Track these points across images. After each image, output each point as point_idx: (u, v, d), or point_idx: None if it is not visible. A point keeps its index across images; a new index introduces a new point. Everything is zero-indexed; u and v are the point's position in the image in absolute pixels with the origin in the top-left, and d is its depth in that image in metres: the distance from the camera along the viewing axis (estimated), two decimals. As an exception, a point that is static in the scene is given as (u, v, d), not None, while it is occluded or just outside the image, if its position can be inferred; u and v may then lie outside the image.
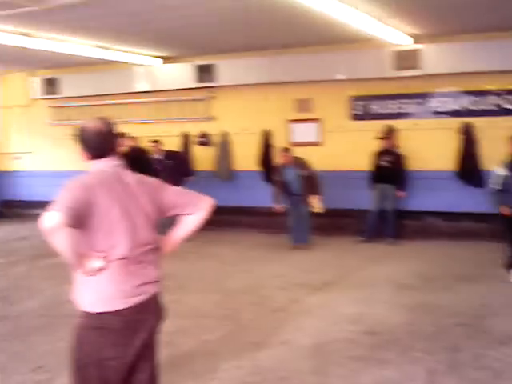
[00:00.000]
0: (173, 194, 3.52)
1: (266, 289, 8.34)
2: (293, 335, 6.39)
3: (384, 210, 11.45)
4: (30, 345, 6.22)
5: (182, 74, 13.14)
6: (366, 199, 11.60)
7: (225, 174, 13.17)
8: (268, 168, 12.64)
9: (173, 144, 13.40)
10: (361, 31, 9.96)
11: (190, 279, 8.88)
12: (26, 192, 15.79)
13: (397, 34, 10.43)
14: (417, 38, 11.01)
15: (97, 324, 3.20)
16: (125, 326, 3.22)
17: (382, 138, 11.42)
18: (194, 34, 11.01)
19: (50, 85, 14.43)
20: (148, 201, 3.38)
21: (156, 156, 12.36)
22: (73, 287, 3.36)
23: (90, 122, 3.35)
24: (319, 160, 11.71)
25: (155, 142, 12.48)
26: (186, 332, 6.44)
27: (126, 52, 12.23)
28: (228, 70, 12.67)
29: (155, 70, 13.44)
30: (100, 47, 11.61)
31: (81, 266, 3.14)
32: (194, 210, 3.53)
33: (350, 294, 8.03)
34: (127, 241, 3.22)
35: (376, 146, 11.50)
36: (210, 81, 12.80)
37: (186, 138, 13.60)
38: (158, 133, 13.58)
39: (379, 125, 11.73)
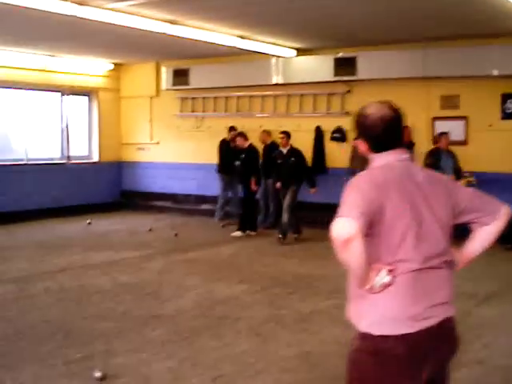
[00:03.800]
0: (468, 196, 2.87)
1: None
2: (483, 353, 5.75)
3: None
4: (197, 349, 5.79)
5: (318, 66, 12.63)
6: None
7: (360, 171, 12.49)
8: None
9: (305, 139, 12.94)
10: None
11: (344, 283, 8.26)
12: (148, 183, 15.66)
13: None
14: None
15: (376, 349, 2.62)
16: (410, 355, 2.59)
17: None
18: (335, 25, 10.56)
19: (180, 75, 14.18)
20: (442, 203, 2.75)
21: (282, 149, 11.65)
22: (348, 303, 2.83)
23: (373, 106, 2.77)
24: (464, 160, 10.94)
25: (284, 133, 11.67)
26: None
27: (263, 42, 11.84)
28: (369, 63, 12.04)
29: (289, 63, 12.97)
30: (240, 37, 11.26)
31: (367, 281, 2.59)
32: (490, 219, 2.85)
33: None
34: (418, 252, 2.62)
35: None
36: (349, 74, 12.20)
37: (319, 134, 13.07)
38: (290, 127, 13.05)
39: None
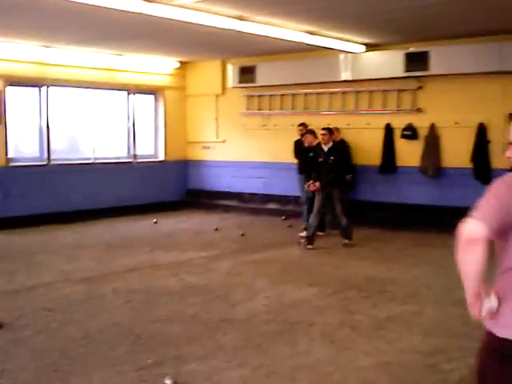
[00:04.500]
0: None
1: None
2: None
3: None
4: (270, 357, 5.55)
5: (388, 62, 12.27)
6: None
7: (432, 170, 12.14)
8: (482, 165, 11.55)
9: (374, 137, 12.67)
10: None
11: (418, 287, 8.00)
12: (214, 182, 15.53)
13: None
14: None
15: (497, 349, 2.59)
16: None
17: None
18: (407, 18, 10.14)
19: (246, 73, 14.00)
20: None
21: (323, 147, 10.82)
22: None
23: None
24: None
25: (326, 130, 10.88)
26: (449, 355, 5.57)
27: (331, 38, 11.53)
28: (443, 57, 11.61)
29: (358, 58, 12.64)
30: (308, 32, 10.98)
31: (475, 297, 2.60)
32: None
33: None
34: None
35: None
36: (421, 69, 11.79)
37: (389, 131, 12.70)
38: (358, 125, 12.89)
39: None
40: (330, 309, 7.10)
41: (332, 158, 10.67)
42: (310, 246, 10.59)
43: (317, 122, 12.94)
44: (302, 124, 12.58)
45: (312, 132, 11.71)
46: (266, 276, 8.68)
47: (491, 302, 2.54)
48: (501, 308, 2.58)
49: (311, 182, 10.77)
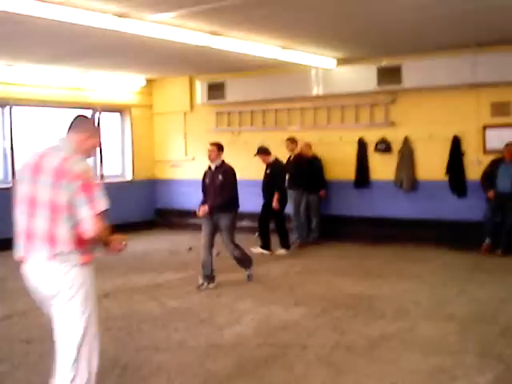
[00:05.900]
0: None
1: (506, 316, 7.15)
2: None
3: None
4: None
5: (360, 76, 12.18)
6: None
7: (407, 183, 12.05)
8: (458, 178, 11.50)
9: (347, 151, 12.54)
10: None
11: (406, 303, 7.81)
12: (182, 201, 15.19)
13: None
14: None
15: None
16: None
17: None
18: (381, 33, 10.09)
19: (215, 89, 13.80)
20: None
21: (211, 165, 9.44)
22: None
23: None
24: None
25: (214, 145, 9.34)
26: (452, 373, 5.37)
27: (303, 52, 11.35)
28: (415, 71, 11.58)
29: (330, 73, 12.52)
30: (281, 47, 10.79)
31: None
32: None
33: None
34: None
35: None
36: (394, 83, 11.72)
37: (362, 145, 12.59)
38: (332, 139, 12.76)
39: None
40: (321, 329, 6.87)
41: (220, 178, 9.14)
42: (203, 286, 8.99)
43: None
44: (289, 139, 12.28)
45: (266, 150, 11.55)
46: (248, 296, 8.42)
47: None
48: None
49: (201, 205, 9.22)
